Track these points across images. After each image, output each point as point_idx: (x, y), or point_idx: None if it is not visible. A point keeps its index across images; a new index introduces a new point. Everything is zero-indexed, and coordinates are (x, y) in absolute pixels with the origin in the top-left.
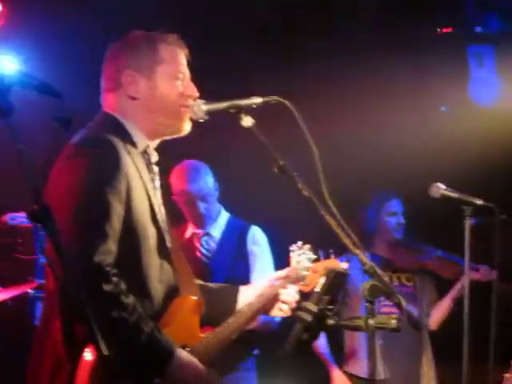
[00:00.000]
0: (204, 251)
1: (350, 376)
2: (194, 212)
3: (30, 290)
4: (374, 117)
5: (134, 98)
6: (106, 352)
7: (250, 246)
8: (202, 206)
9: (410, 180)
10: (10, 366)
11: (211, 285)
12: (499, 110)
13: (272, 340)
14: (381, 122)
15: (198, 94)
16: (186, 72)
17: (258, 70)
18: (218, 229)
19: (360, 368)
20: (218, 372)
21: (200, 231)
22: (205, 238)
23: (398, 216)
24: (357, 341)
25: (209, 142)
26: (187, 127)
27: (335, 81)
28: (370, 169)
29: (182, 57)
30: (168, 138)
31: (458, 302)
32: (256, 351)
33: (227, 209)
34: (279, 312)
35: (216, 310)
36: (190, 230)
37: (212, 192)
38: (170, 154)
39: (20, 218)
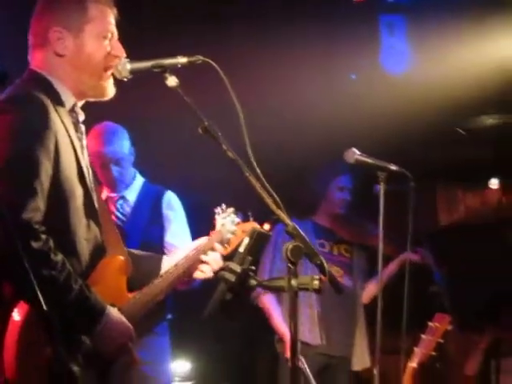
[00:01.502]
0: (119, 215)
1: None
2: (107, 175)
3: None
4: (283, 84)
5: (60, 56)
6: (45, 307)
7: (165, 211)
8: (115, 169)
9: (321, 147)
10: None
11: (135, 252)
12: (409, 78)
13: (186, 303)
14: (290, 89)
15: (124, 55)
16: (114, 32)
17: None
18: (133, 193)
19: (301, 333)
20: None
21: (115, 195)
22: (120, 201)
23: (345, 192)
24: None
25: (128, 103)
26: (111, 91)
27: (244, 48)
28: (280, 137)
29: (111, 16)
30: (92, 99)
31: (390, 279)
32: (169, 315)
33: (142, 173)
34: (201, 274)
35: (139, 277)
36: (105, 194)
37: (126, 156)
38: (89, 114)
39: None
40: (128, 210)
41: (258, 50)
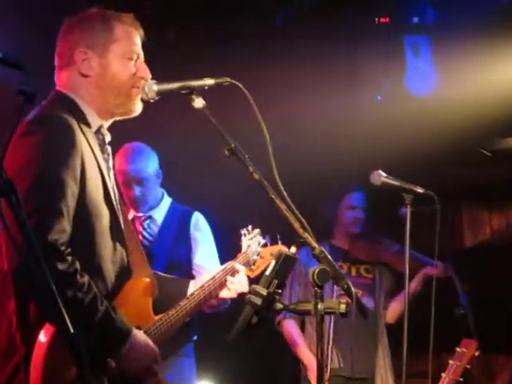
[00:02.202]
0: (146, 234)
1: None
2: (129, 194)
3: None
4: (308, 105)
5: (85, 76)
6: (71, 330)
7: (192, 231)
8: (137, 189)
9: (346, 169)
10: None
11: (162, 274)
12: (434, 99)
13: (211, 325)
14: (316, 110)
15: (150, 76)
16: (139, 53)
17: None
18: (160, 213)
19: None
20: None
21: (142, 214)
22: (147, 221)
23: (357, 210)
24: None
25: (157, 125)
26: (138, 108)
27: (270, 69)
28: (305, 158)
29: (137, 37)
30: (119, 118)
31: (416, 296)
32: (195, 337)
33: (170, 194)
34: (226, 293)
35: (165, 299)
36: (132, 213)
37: (150, 177)
38: (119, 136)
39: None
40: (155, 229)
41: (282, 70)
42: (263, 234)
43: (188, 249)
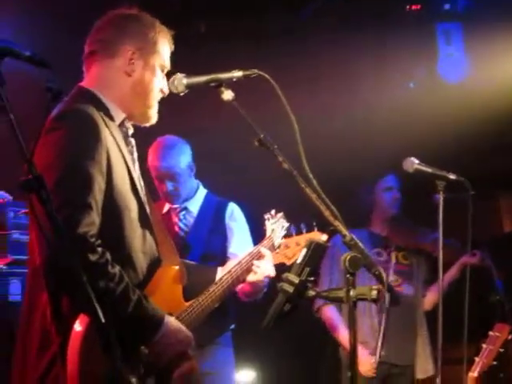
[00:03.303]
0: (182, 226)
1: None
2: (161, 188)
3: (2, 266)
4: (341, 94)
5: (127, 75)
6: (103, 319)
7: (228, 222)
8: (169, 184)
9: (381, 156)
10: None
11: (190, 262)
12: (467, 87)
13: (250, 313)
14: (349, 99)
15: (168, 92)
16: (168, 69)
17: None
18: (195, 204)
19: (364, 343)
20: (196, 345)
21: (177, 206)
22: (183, 212)
23: (393, 191)
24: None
25: (189, 117)
26: (154, 119)
27: (302, 59)
28: (339, 147)
29: (169, 53)
30: (135, 123)
31: (452, 285)
32: (233, 326)
33: (205, 185)
34: (253, 276)
35: (195, 286)
36: (168, 205)
37: (183, 171)
38: (153, 127)
39: None
40: (191, 220)
41: (314, 60)
42: (299, 222)
43: (223, 239)
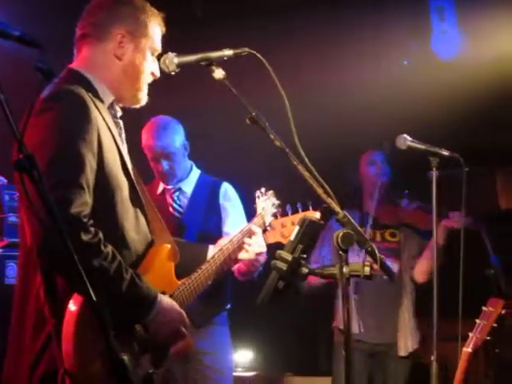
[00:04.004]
0: (176, 206)
1: (337, 330)
2: (157, 168)
3: None
4: (334, 71)
5: (117, 58)
6: (94, 298)
7: (222, 201)
8: (165, 163)
9: (374, 133)
10: None
11: (181, 240)
12: (460, 63)
13: (245, 293)
14: (342, 76)
15: (159, 75)
16: (159, 52)
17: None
18: (189, 185)
19: (340, 321)
20: (193, 324)
21: (171, 187)
22: (177, 193)
23: (377, 164)
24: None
25: (182, 96)
26: (143, 101)
27: (296, 35)
28: (332, 124)
29: (160, 37)
30: (124, 106)
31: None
32: (229, 305)
33: (198, 165)
34: (244, 254)
35: (187, 264)
36: (162, 186)
37: (178, 151)
38: (143, 109)
39: None
40: (185, 201)
41: (306, 37)
42: (295, 201)
43: (218, 219)
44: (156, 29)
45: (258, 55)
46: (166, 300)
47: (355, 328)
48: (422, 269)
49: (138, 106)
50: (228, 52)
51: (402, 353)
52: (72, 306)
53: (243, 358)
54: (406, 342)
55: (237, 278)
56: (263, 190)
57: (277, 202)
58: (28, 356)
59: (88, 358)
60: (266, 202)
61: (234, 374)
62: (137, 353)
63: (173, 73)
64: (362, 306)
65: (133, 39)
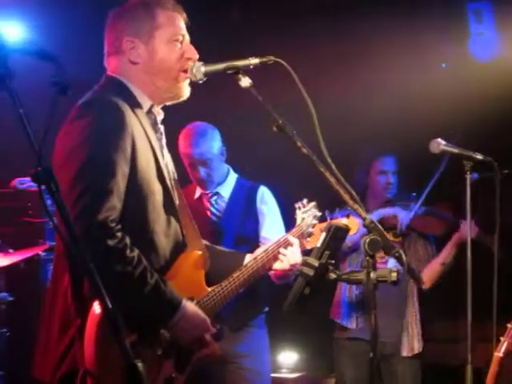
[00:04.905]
0: (214, 211)
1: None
2: (195, 175)
3: (41, 253)
4: (374, 74)
5: (135, 63)
6: (109, 305)
7: (259, 205)
8: (202, 170)
9: (410, 136)
10: (23, 326)
11: (219, 248)
12: (498, 66)
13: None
14: (381, 79)
15: (197, 57)
16: (185, 35)
17: (252, 31)
18: (227, 189)
19: (338, 315)
20: (230, 328)
21: (209, 191)
22: (214, 197)
23: (388, 175)
24: (338, 290)
25: (217, 103)
26: (186, 93)
27: (334, 40)
28: (371, 126)
29: (180, 21)
30: (169, 103)
31: (448, 265)
32: (266, 308)
33: (235, 170)
34: (279, 264)
35: (221, 271)
36: (199, 191)
37: (215, 157)
38: (179, 115)
39: (28, 183)
40: (223, 205)
41: (345, 41)
42: (327, 207)
43: (255, 223)
44: (167, 16)
45: (284, 63)
46: (190, 306)
47: (352, 323)
48: (430, 277)
49: (183, 98)
50: (254, 60)
51: (406, 353)
52: (96, 309)
53: (288, 359)
54: (413, 343)
55: (272, 281)
56: (305, 201)
57: (318, 214)
58: (52, 356)
59: (108, 360)
60: (307, 214)
61: (279, 375)
62: (160, 357)
63: (200, 81)
64: (365, 304)
65: (142, 39)
